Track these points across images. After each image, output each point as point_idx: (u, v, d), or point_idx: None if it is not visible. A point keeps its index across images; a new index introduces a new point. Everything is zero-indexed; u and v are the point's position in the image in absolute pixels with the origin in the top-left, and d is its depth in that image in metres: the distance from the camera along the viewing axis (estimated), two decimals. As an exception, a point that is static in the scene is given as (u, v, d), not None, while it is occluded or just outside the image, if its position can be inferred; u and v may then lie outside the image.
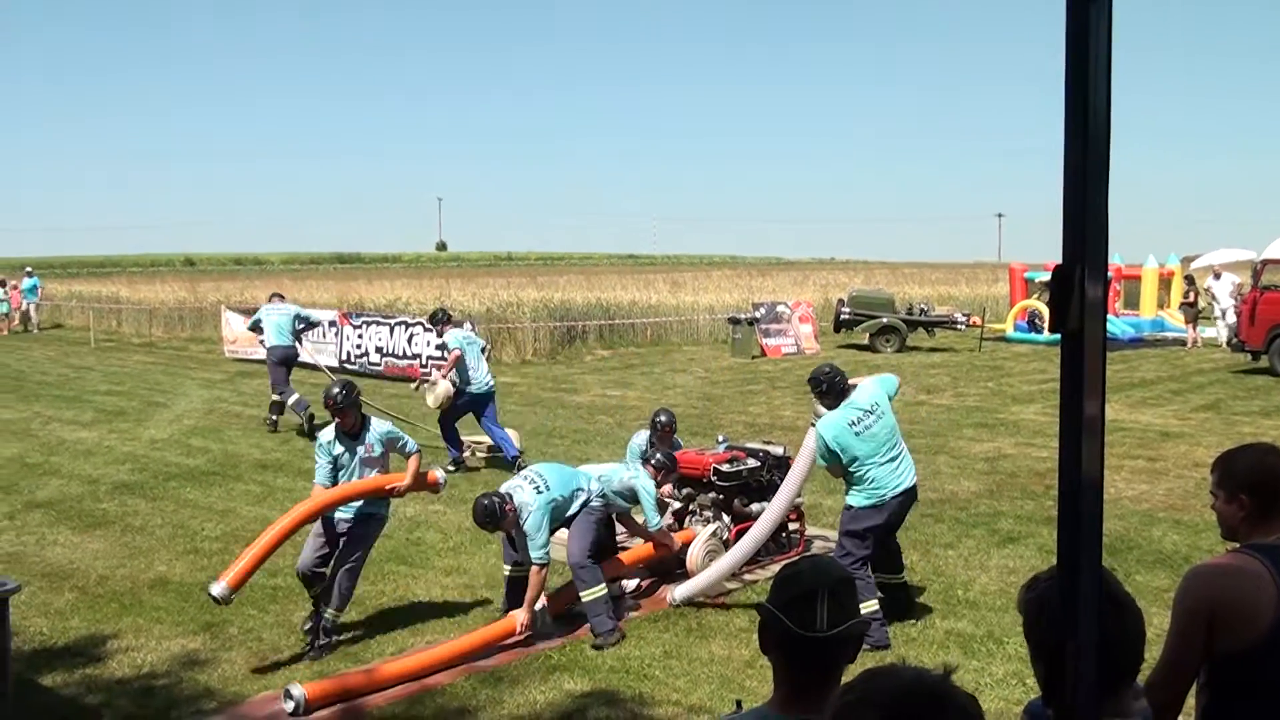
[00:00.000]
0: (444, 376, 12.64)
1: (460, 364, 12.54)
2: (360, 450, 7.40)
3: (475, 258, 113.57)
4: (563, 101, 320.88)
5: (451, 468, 12.40)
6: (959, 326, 27.67)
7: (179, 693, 6.47)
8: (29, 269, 37.55)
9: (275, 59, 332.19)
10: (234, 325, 25.70)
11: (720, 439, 9.72)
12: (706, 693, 6.34)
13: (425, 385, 13.28)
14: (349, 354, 22.60)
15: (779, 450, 9.40)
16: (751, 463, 9.06)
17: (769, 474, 9.15)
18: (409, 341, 21.47)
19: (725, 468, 8.87)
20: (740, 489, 8.96)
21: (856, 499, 7.13)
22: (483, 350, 13.43)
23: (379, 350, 22.04)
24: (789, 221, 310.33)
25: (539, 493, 7.22)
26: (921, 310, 28.24)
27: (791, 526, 9.31)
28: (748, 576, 8.57)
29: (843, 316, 27.70)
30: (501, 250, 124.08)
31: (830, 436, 7.09)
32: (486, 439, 13.24)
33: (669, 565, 8.57)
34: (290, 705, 6.04)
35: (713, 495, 8.91)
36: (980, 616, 7.69)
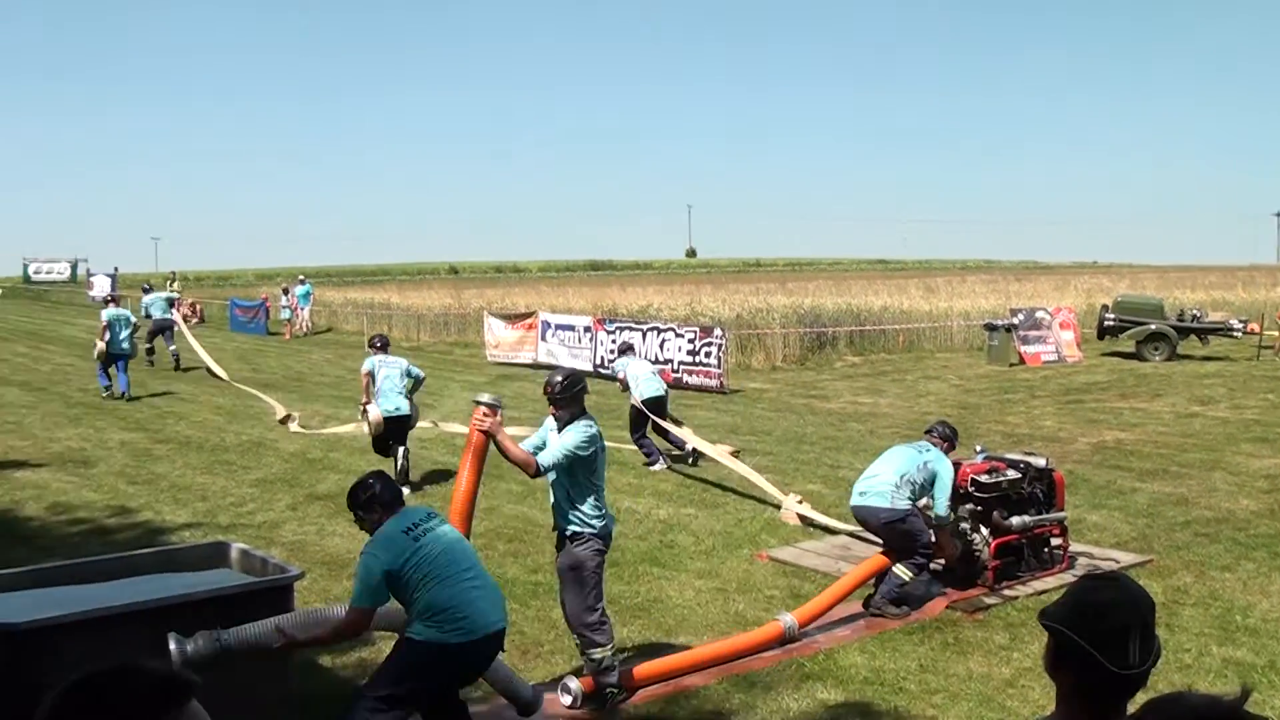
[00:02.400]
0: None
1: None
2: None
3: (725, 264, 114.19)
4: (810, 103, 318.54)
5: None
6: (1235, 334, 25.94)
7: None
8: (302, 277, 40.27)
9: (531, 70, 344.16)
10: (495, 330, 26.77)
11: (978, 449, 9.43)
12: (964, 711, 6.18)
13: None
14: (603, 359, 23.14)
15: (1040, 462, 9.05)
16: (1011, 474, 8.75)
17: (1030, 486, 8.83)
18: (661, 347, 21.82)
19: (984, 479, 8.61)
20: (999, 501, 8.67)
21: None
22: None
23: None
24: (1047, 223, 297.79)
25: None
26: (1194, 316, 26.65)
27: (1055, 542, 8.98)
28: (1007, 592, 8.31)
29: (1107, 323, 26.43)
30: (750, 256, 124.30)
31: None
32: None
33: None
34: (568, 699, 6.25)
35: (970, 506, 8.66)
36: (1261, 644, 7.21)
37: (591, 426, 6.45)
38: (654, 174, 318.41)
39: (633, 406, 13.79)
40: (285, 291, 37.03)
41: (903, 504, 7.98)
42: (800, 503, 10.92)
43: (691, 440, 13.40)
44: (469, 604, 5.03)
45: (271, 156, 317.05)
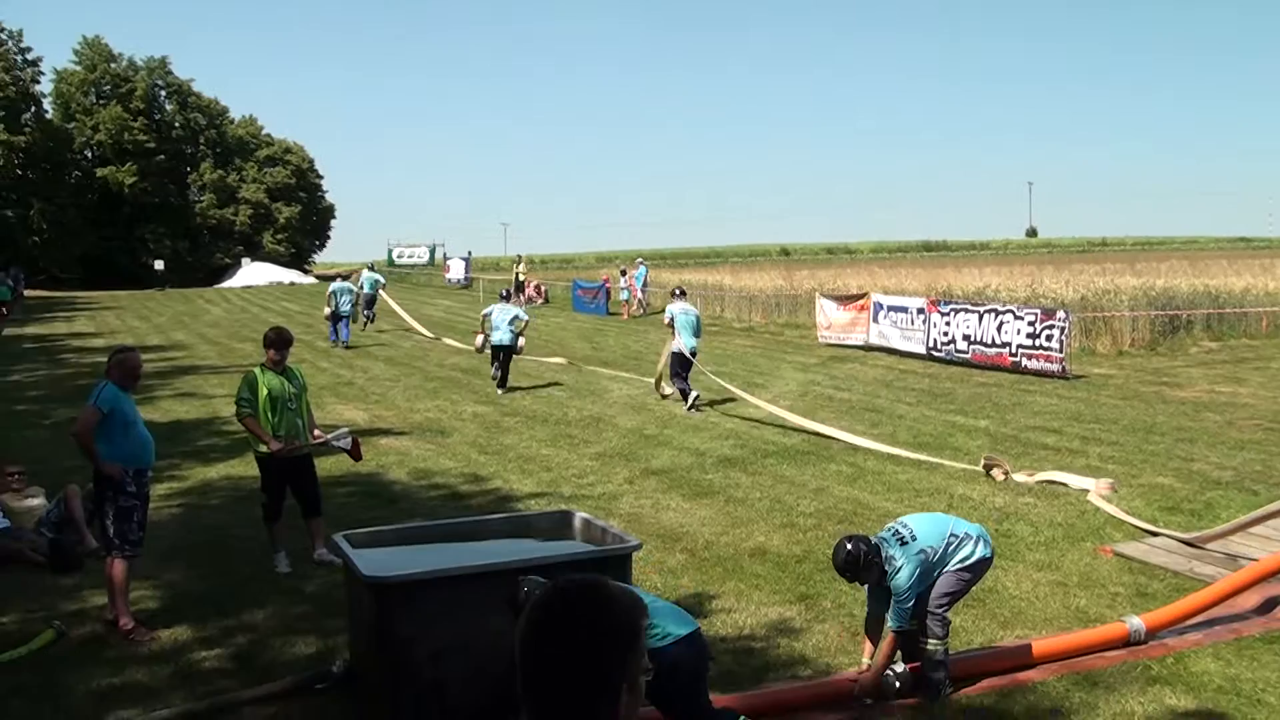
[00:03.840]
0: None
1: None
2: None
3: (1067, 244, 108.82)
4: (1158, 71, 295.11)
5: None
6: None
7: (774, 656, 6.88)
8: (639, 259, 41.54)
9: (867, 56, 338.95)
10: (827, 311, 26.69)
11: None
12: (1336, 728, 5.68)
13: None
14: (935, 341, 22.61)
15: None
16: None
17: None
18: (998, 330, 21.06)
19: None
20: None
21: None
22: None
23: (966, 338, 21.84)
24: None
25: (903, 544, 6.20)
26: None
27: None
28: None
29: None
30: (1096, 235, 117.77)
31: None
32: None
33: None
34: (892, 678, 6.22)
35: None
36: None
37: (914, 558, 6.18)
38: (991, 151, 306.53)
39: (675, 352, 17.04)
40: (623, 273, 38.35)
41: None
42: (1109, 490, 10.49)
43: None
44: (655, 613, 5.00)
45: (609, 144, 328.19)
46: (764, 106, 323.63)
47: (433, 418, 16.18)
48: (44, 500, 10.06)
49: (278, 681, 6.48)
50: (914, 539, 6.18)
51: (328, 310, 27.08)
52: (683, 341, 16.93)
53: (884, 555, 6.16)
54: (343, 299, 26.87)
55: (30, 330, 35.67)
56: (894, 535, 6.23)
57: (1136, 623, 6.89)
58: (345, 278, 34.30)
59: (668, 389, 17.65)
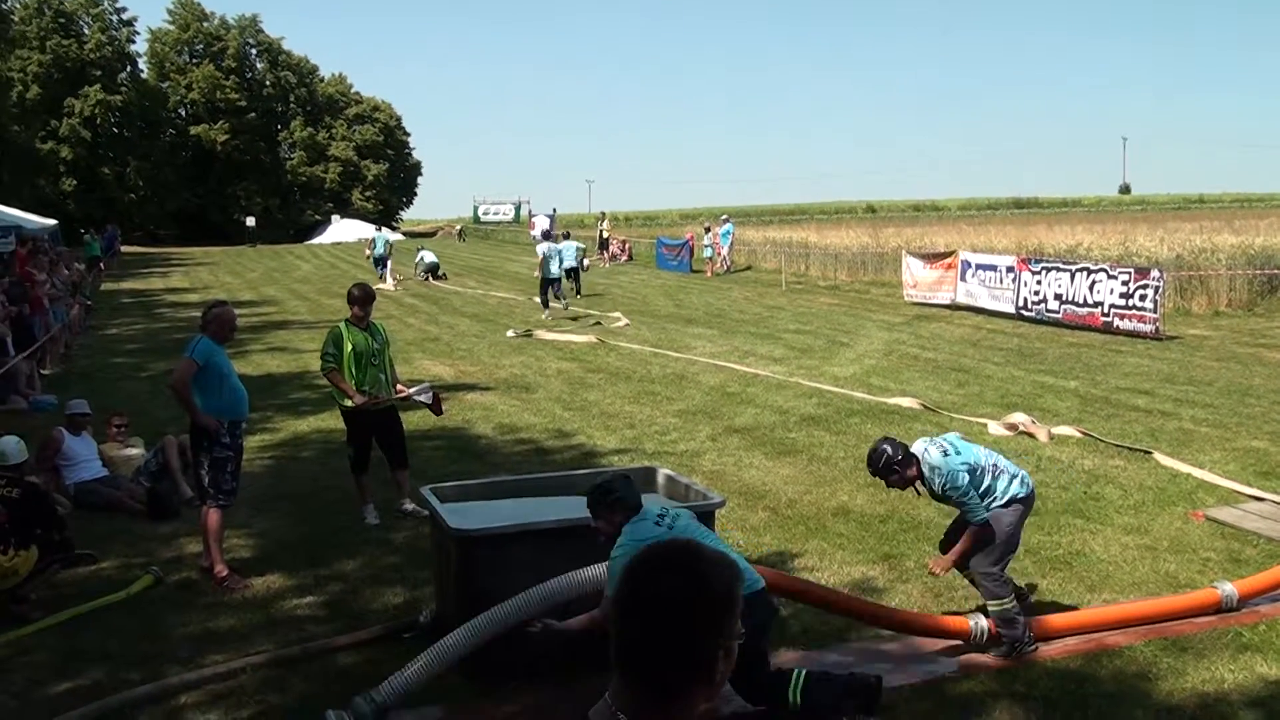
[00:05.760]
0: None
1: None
2: None
3: (1162, 200, 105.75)
4: (1257, 18, 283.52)
5: None
6: None
7: (858, 616, 6.86)
8: (725, 216, 41.32)
9: (964, 9, 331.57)
10: (913, 270, 26.35)
11: None
12: None
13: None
14: (1026, 300, 22.19)
15: None
16: None
17: None
18: (1090, 289, 20.62)
19: None
20: None
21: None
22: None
23: (1058, 297, 21.41)
24: None
25: (945, 455, 6.23)
26: None
27: None
28: None
29: None
30: (1193, 192, 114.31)
31: None
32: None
33: None
34: (976, 627, 6.20)
35: None
36: None
37: (959, 467, 6.21)
38: (1084, 105, 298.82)
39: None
40: (707, 230, 38.19)
41: None
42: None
43: None
44: None
45: (695, 100, 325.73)
46: (851, 61, 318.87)
47: (517, 373, 16.33)
48: (142, 450, 10.37)
49: (367, 630, 6.63)
50: (957, 453, 6.26)
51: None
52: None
53: (925, 464, 6.23)
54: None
55: (127, 285, 36.65)
56: (937, 447, 6.31)
57: (1229, 589, 6.74)
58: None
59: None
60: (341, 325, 9.06)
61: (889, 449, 6.27)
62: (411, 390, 9.40)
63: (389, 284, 32.20)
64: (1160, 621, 6.54)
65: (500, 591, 5.53)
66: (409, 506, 9.04)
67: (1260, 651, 6.19)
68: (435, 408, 9.62)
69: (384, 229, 40.94)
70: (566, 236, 31.38)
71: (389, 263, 34.08)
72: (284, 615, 7.08)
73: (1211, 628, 6.51)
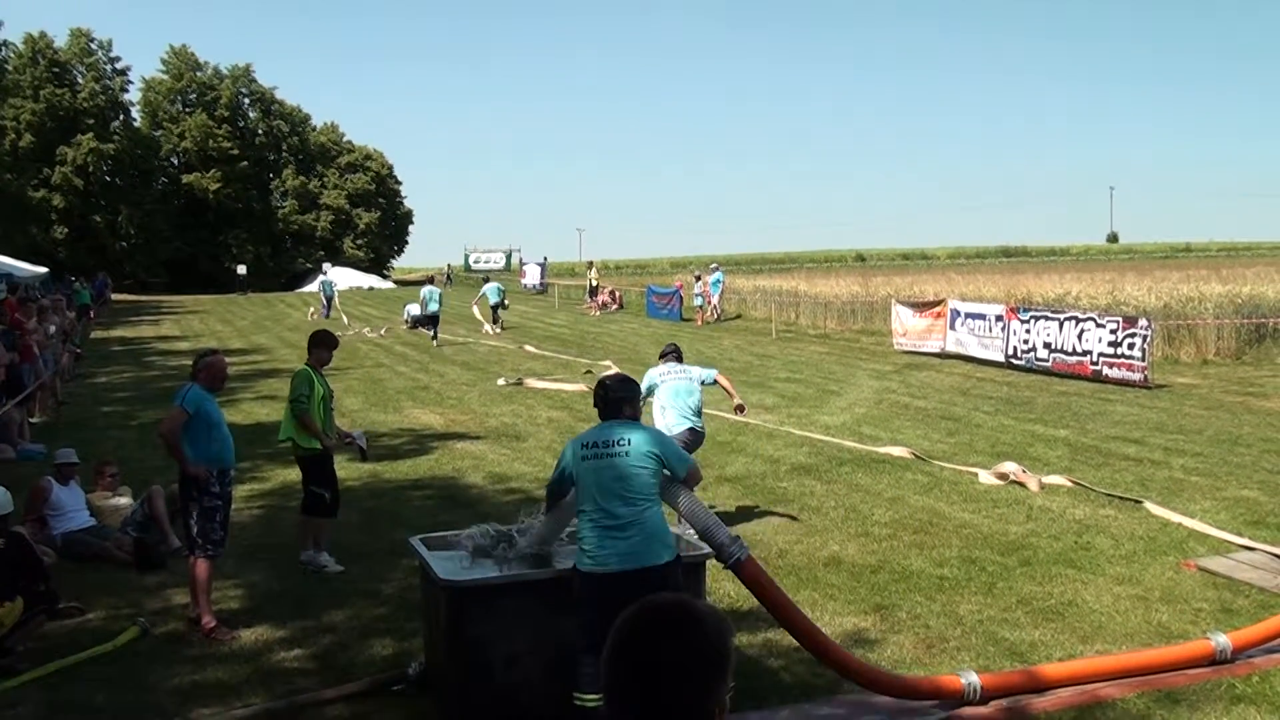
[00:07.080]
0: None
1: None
2: None
3: (1150, 249, 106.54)
4: (1246, 71, 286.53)
5: None
6: None
7: (850, 668, 6.82)
8: (714, 265, 41.51)
9: (938, 57, 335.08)
10: (903, 318, 26.45)
11: None
12: None
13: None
14: (1015, 349, 22.28)
15: None
16: None
17: None
18: (1079, 338, 20.71)
19: None
20: None
21: None
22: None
23: (1047, 346, 21.50)
24: None
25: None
26: None
27: None
28: None
29: None
30: (1180, 240, 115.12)
31: None
32: None
33: None
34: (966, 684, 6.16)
35: None
36: None
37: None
38: (1070, 154, 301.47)
39: None
40: (698, 279, 38.33)
41: None
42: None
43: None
44: (586, 539, 5.54)
45: (683, 151, 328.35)
46: (840, 111, 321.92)
47: (508, 422, 16.30)
48: (130, 500, 10.31)
49: (355, 682, 6.57)
50: None
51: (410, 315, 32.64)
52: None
53: None
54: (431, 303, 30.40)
55: (117, 333, 36.60)
56: None
57: (1223, 640, 6.71)
58: (431, 281, 36.51)
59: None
60: (309, 369, 9.15)
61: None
62: (354, 434, 10.25)
63: (491, 329, 33.17)
64: (1153, 673, 6.52)
65: (490, 642, 5.50)
66: (324, 559, 9.04)
67: (1254, 703, 6.16)
68: (365, 454, 10.58)
69: (492, 280, 38.50)
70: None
71: (499, 311, 34.12)
72: (272, 667, 7.01)
73: (1205, 679, 6.48)
